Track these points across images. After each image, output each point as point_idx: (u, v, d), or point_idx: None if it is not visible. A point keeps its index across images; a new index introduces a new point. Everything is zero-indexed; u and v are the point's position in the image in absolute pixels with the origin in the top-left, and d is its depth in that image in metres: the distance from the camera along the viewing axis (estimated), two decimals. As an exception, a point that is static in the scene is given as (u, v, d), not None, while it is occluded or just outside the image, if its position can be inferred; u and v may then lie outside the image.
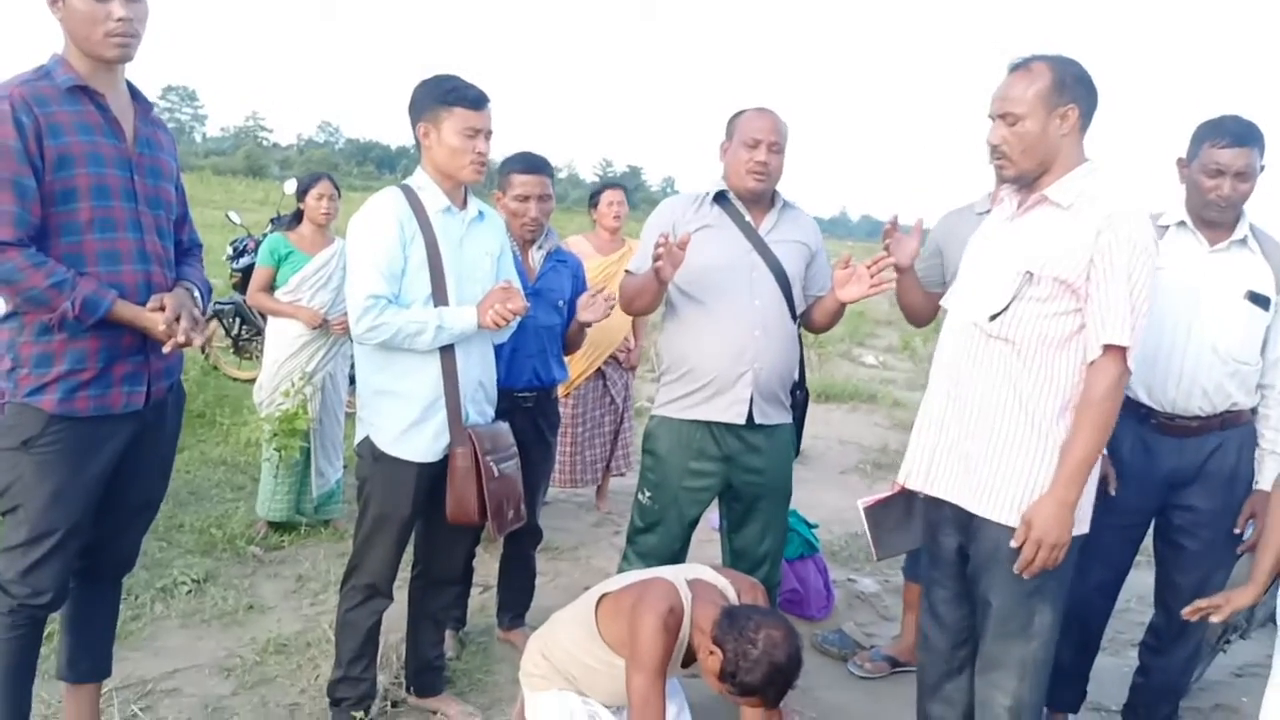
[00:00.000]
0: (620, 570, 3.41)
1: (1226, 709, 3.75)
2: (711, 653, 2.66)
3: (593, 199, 5.39)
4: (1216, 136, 2.98)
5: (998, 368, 2.52)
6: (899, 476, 2.77)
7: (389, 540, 3.04)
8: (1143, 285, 2.39)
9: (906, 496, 2.75)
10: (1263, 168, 3.00)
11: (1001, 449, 2.52)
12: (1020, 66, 2.50)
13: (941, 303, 2.85)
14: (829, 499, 6.15)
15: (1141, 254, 2.38)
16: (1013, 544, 2.46)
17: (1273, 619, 3.69)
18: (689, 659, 2.83)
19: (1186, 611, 2.59)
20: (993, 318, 2.51)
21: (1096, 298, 2.40)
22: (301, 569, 4.47)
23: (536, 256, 3.68)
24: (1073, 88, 2.47)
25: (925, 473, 2.68)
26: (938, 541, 2.74)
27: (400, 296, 2.90)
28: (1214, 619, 2.55)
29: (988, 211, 3.26)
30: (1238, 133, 2.97)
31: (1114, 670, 3.86)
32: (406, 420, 2.95)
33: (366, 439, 3.02)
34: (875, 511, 2.83)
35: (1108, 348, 2.38)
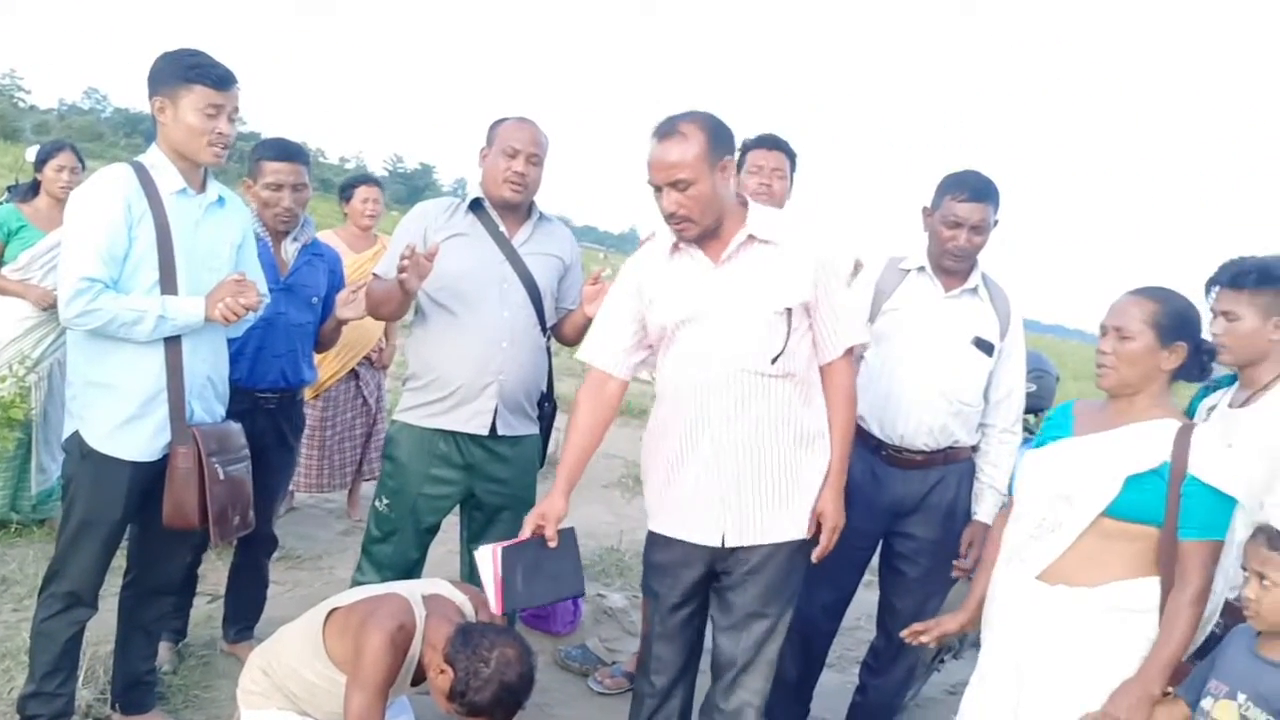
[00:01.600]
0: (354, 582, 3.29)
1: (938, 726, 3.98)
2: (442, 671, 2.60)
3: (345, 193, 5.17)
4: (957, 190, 3.16)
5: (778, 402, 2.64)
6: (693, 536, 2.72)
7: (95, 545, 2.80)
8: None
9: (538, 543, 2.67)
10: (996, 222, 3.21)
11: (794, 475, 2.69)
12: (671, 133, 2.52)
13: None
14: (588, 512, 6.16)
15: None
16: (808, 536, 2.72)
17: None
18: (419, 677, 2.74)
19: (904, 633, 2.76)
20: (774, 360, 2.60)
21: (827, 308, 2.67)
22: (7, 570, 4.07)
23: (290, 249, 3.51)
24: (723, 140, 2.56)
25: (740, 530, 2.69)
26: (688, 567, 2.77)
27: (124, 281, 2.68)
28: (924, 639, 2.72)
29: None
30: (977, 188, 3.15)
31: (839, 686, 4.02)
32: (122, 415, 2.73)
33: (75, 434, 2.77)
34: (509, 554, 2.67)
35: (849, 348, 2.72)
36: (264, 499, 3.30)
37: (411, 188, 79.21)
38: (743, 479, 2.66)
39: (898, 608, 3.34)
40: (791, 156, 3.69)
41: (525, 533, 2.68)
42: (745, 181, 3.63)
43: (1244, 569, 2.26)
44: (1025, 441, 3.94)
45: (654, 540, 2.84)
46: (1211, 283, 2.71)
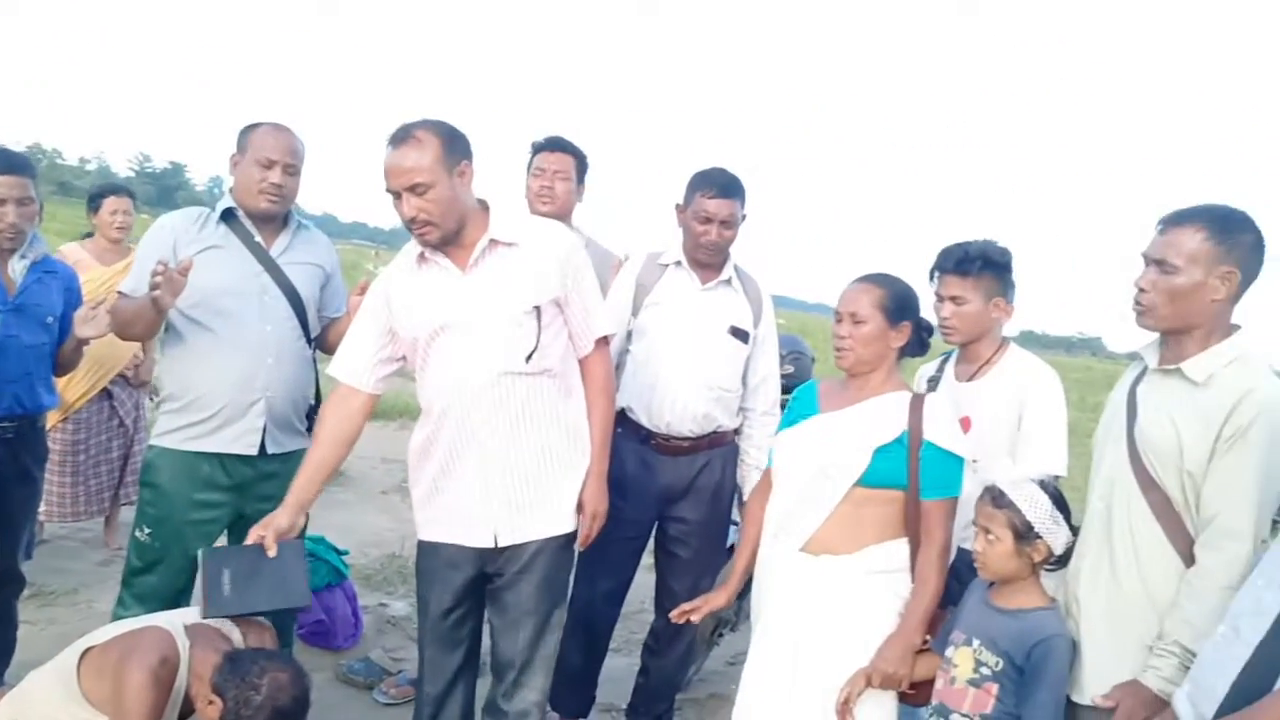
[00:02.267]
0: (116, 616, 3.12)
1: (719, 697, 4.11)
2: (210, 702, 2.52)
3: (93, 203, 4.91)
4: (706, 187, 3.30)
5: (539, 400, 2.70)
6: (465, 539, 2.75)
7: None
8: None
9: (257, 550, 2.68)
10: (744, 217, 3.37)
11: (560, 470, 2.78)
12: (406, 139, 2.56)
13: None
14: (367, 520, 6.06)
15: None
16: (574, 530, 2.83)
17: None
18: (188, 710, 2.64)
19: (673, 615, 2.89)
20: (529, 358, 2.65)
21: (578, 303, 2.78)
22: None
23: (18, 267, 3.27)
24: (459, 145, 2.61)
25: (512, 528, 2.74)
26: (457, 570, 2.80)
27: None
28: (694, 618, 2.85)
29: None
30: (724, 184, 3.30)
31: (627, 670, 4.10)
32: None
33: None
34: (214, 556, 2.68)
35: (600, 340, 2.86)
36: (6, 535, 3.11)
37: (161, 188, 74.23)
38: (511, 478, 2.71)
39: (674, 588, 3.46)
40: (579, 158, 3.75)
41: (248, 542, 2.69)
42: (529, 183, 3.68)
43: (974, 524, 2.50)
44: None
45: (422, 548, 2.87)
46: (935, 269, 2.93)
